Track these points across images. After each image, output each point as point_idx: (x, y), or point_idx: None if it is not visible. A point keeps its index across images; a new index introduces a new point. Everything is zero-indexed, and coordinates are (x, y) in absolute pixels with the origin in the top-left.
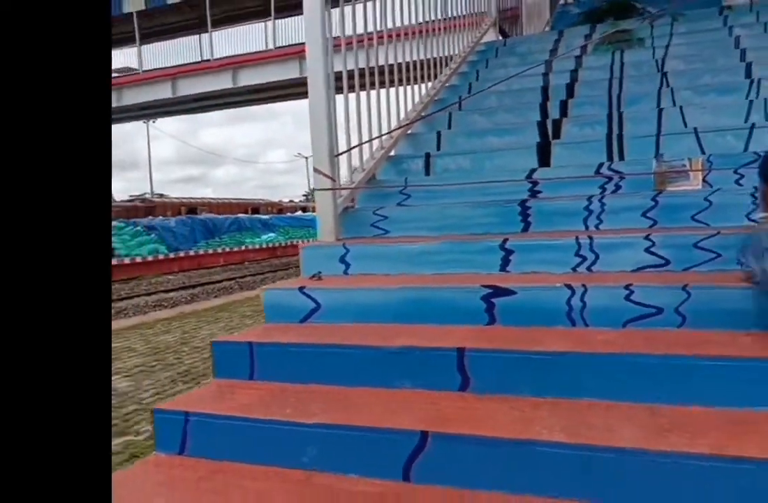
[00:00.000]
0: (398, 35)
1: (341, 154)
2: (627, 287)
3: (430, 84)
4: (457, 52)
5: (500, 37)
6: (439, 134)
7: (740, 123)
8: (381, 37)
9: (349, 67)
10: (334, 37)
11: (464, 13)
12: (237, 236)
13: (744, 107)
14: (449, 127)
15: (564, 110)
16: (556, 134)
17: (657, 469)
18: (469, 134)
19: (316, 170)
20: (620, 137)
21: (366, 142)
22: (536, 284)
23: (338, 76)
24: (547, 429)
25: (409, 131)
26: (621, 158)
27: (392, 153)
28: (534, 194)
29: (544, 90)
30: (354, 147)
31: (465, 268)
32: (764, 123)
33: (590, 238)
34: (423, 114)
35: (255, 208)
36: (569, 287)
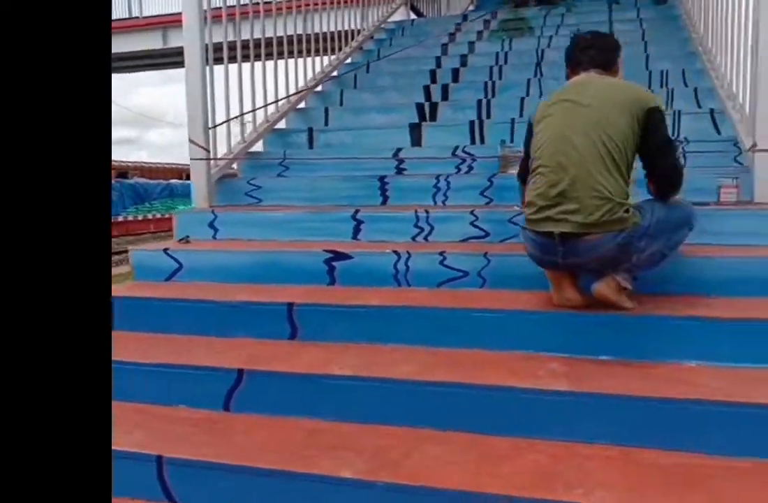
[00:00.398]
0: (289, 8)
1: (217, 126)
2: (441, 253)
3: (326, 61)
4: (360, 28)
5: (413, 16)
6: (327, 109)
7: None
8: (270, 10)
9: (243, 38)
10: (216, 8)
11: None
12: (169, 203)
13: None
14: (341, 104)
15: (445, 94)
16: (433, 116)
17: (421, 394)
18: (358, 111)
19: (191, 140)
20: (482, 122)
21: (244, 114)
22: (369, 250)
23: (231, 47)
24: (344, 366)
25: (300, 106)
26: (482, 141)
27: (283, 126)
28: (400, 171)
29: (433, 73)
30: (230, 120)
31: (322, 236)
32: None
33: (427, 212)
34: (313, 88)
35: (190, 174)
36: (396, 253)
